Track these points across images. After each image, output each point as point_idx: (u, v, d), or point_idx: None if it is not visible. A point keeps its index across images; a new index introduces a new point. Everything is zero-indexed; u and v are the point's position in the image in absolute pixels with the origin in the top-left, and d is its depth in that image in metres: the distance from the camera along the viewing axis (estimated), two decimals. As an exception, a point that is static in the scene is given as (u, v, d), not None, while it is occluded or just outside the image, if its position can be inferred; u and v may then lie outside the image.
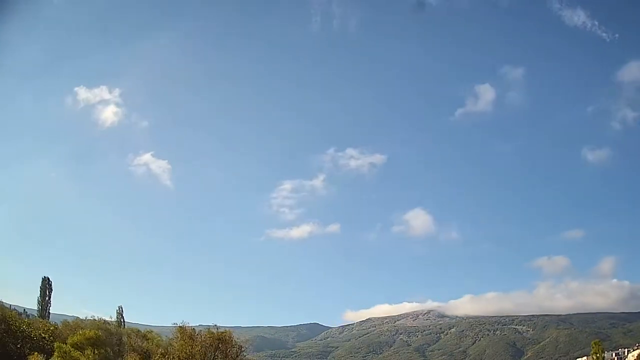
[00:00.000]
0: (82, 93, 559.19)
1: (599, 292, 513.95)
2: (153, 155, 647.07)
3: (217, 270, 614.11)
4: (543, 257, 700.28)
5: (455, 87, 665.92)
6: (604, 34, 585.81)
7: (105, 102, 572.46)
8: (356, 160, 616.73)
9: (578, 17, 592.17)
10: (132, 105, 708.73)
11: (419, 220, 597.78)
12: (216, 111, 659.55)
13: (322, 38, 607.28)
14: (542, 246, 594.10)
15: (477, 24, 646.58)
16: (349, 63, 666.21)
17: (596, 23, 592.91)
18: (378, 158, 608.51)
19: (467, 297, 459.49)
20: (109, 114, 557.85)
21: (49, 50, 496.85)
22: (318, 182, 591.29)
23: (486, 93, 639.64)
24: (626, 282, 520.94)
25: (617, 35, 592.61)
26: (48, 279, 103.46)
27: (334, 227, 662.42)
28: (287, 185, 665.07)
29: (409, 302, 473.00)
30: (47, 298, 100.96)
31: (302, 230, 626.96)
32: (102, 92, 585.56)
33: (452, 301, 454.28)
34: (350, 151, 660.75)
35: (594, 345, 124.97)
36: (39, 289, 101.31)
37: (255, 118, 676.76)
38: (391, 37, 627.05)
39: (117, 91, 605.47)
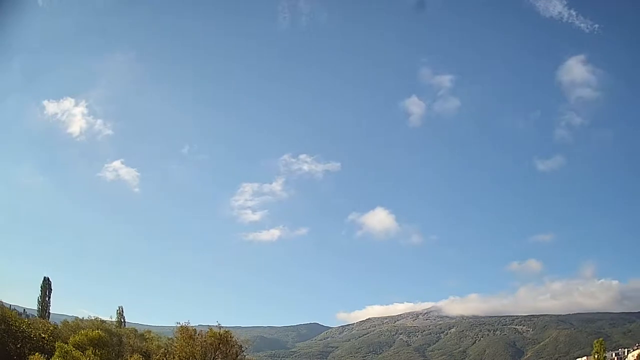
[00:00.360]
0: (50, 106, 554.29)
1: (589, 293, 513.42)
2: (123, 163, 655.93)
3: (217, 270, 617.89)
4: (515, 260, 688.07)
5: (408, 90, 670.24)
6: (582, 25, 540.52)
7: (72, 114, 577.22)
8: (309, 165, 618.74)
9: (554, 7, 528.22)
10: (99, 116, 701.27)
11: (381, 222, 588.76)
12: (179, 115, 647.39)
13: (289, 36, 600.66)
14: (513, 250, 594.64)
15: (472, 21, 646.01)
16: (307, 65, 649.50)
17: (574, 13, 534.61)
18: (333, 165, 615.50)
19: (451, 299, 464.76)
20: (76, 127, 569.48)
21: (15, 64, 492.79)
22: (277, 185, 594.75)
23: (416, 106, 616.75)
24: (615, 282, 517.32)
25: (596, 25, 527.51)
26: (48, 279, 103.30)
27: (303, 230, 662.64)
28: (248, 188, 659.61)
29: (399, 302, 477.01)
30: (47, 298, 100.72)
31: (271, 234, 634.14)
32: (69, 104, 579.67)
33: (443, 301, 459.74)
34: (304, 157, 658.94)
35: (596, 344, 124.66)
36: (39, 289, 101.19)
37: (216, 120, 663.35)
38: (356, 36, 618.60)
39: (83, 103, 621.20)
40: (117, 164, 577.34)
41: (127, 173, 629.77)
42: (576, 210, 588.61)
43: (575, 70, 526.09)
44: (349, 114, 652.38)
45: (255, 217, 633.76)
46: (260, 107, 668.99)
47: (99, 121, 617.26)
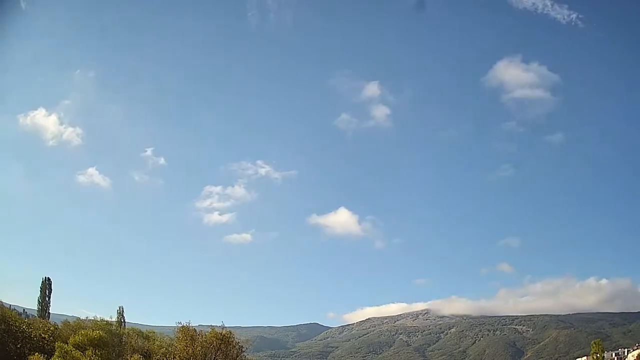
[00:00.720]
0: (23, 118, 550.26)
1: (578, 293, 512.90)
2: (96, 169, 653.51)
3: (217, 270, 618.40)
4: (500, 262, 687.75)
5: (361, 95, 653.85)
6: (558, 16, 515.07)
7: (46, 127, 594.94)
8: (266, 170, 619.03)
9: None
10: (70, 124, 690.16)
11: (344, 224, 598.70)
12: (152, 119, 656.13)
13: (257, 35, 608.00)
14: (491, 253, 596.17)
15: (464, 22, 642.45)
16: (264, 68, 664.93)
17: (549, 3, 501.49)
18: (292, 173, 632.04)
19: (443, 300, 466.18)
20: (50, 136, 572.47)
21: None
22: (240, 189, 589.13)
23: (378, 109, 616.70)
24: (604, 281, 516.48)
25: (573, 15, 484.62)
26: (48, 279, 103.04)
27: (273, 234, 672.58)
28: (212, 190, 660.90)
29: (394, 303, 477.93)
30: (47, 298, 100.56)
31: (243, 237, 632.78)
32: (41, 114, 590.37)
33: (436, 302, 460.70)
34: (260, 162, 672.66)
35: (594, 345, 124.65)
36: (39, 289, 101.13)
37: (177, 126, 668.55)
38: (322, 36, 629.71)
39: (55, 114, 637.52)
40: (91, 170, 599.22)
41: (102, 179, 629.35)
42: (549, 212, 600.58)
43: (502, 73, 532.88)
44: (300, 120, 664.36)
45: (224, 219, 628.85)
46: (226, 110, 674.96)
47: (70, 129, 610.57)
